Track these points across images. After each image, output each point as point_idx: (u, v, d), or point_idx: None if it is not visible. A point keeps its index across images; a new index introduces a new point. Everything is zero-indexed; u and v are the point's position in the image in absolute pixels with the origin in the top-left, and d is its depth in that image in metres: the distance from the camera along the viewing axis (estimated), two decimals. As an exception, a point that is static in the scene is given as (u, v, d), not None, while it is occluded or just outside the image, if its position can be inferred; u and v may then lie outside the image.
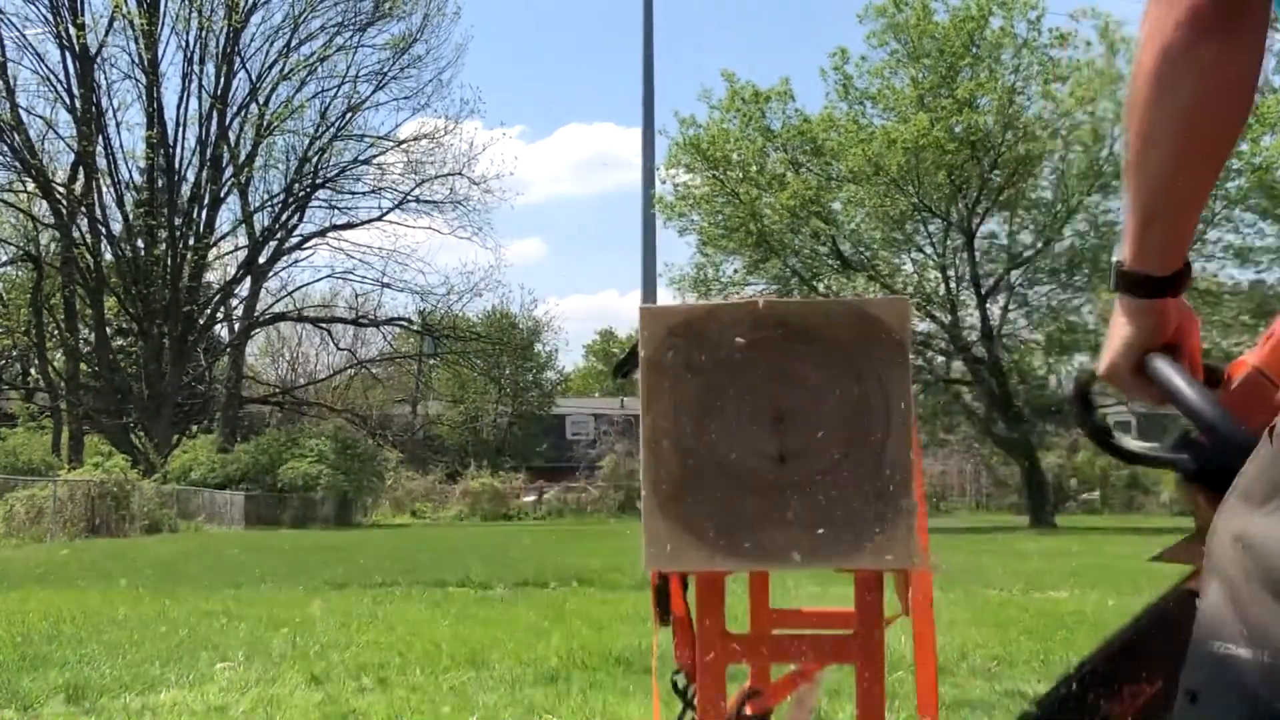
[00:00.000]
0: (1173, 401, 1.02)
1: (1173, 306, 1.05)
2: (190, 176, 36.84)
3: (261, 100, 37.58)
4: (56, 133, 34.80)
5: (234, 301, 40.29)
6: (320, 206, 41.03)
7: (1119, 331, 1.07)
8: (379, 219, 40.45)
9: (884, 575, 1.51)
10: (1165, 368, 1.03)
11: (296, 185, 39.03)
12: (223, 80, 36.51)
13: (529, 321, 48.39)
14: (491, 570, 10.71)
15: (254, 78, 37.40)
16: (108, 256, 35.69)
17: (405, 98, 53.41)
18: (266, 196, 39.45)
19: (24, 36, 35.07)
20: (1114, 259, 1.05)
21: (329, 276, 59.84)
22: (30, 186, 34.36)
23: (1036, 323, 26.32)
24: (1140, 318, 1.05)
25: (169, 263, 35.55)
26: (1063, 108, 23.80)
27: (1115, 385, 1.11)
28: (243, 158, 37.57)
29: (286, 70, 37.64)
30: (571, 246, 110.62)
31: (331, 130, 39.09)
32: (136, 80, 35.64)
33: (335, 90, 38.79)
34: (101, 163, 34.97)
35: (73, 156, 34.40)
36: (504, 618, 6.72)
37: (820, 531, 1.40)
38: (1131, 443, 1.11)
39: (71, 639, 5.76)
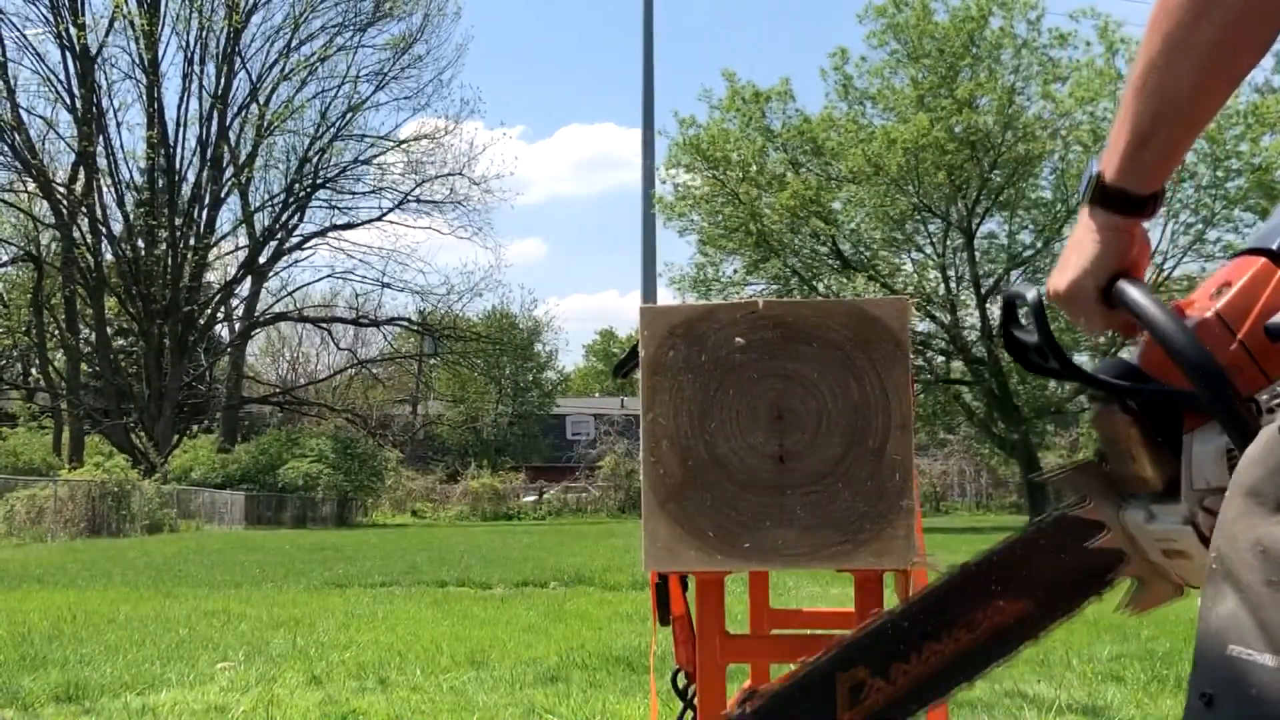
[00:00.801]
0: (1149, 328, 0.98)
1: (1139, 229, 1.02)
2: (191, 176, 36.90)
3: (262, 100, 37.62)
4: (57, 133, 34.88)
5: (234, 301, 40.36)
6: (320, 206, 41.13)
7: (1086, 249, 1.02)
8: (379, 219, 40.52)
9: (884, 575, 1.51)
10: (1139, 293, 0.99)
11: (297, 185, 39.06)
12: (223, 80, 36.55)
13: (529, 321, 48.45)
14: (491, 570, 10.72)
15: (254, 78, 37.46)
16: (108, 256, 35.72)
17: (405, 98, 53.72)
18: (267, 196, 39.52)
19: (24, 36, 35.13)
20: (1094, 170, 1.01)
21: (329, 276, 60.05)
22: (31, 186, 34.37)
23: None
24: (1112, 236, 1.00)
25: (169, 263, 35.56)
26: (1063, 108, 23.79)
27: (1073, 306, 1.05)
28: (243, 158, 37.59)
29: (287, 70, 37.70)
30: (572, 246, 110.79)
31: (332, 130, 39.16)
32: (137, 80, 35.72)
33: (335, 90, 38.87)
34: (102, 163, 35.03)
35: (73, 156, 34.46)
36: (504, 618, 6.72)
37: (819, 531, 1.40)
38: (1076, 360, 1.05)
39: (71, 639, 5.76)
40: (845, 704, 1.10)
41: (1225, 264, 1.07)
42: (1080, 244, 1.02)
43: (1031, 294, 1.05)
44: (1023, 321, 1.12)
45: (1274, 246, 0.99)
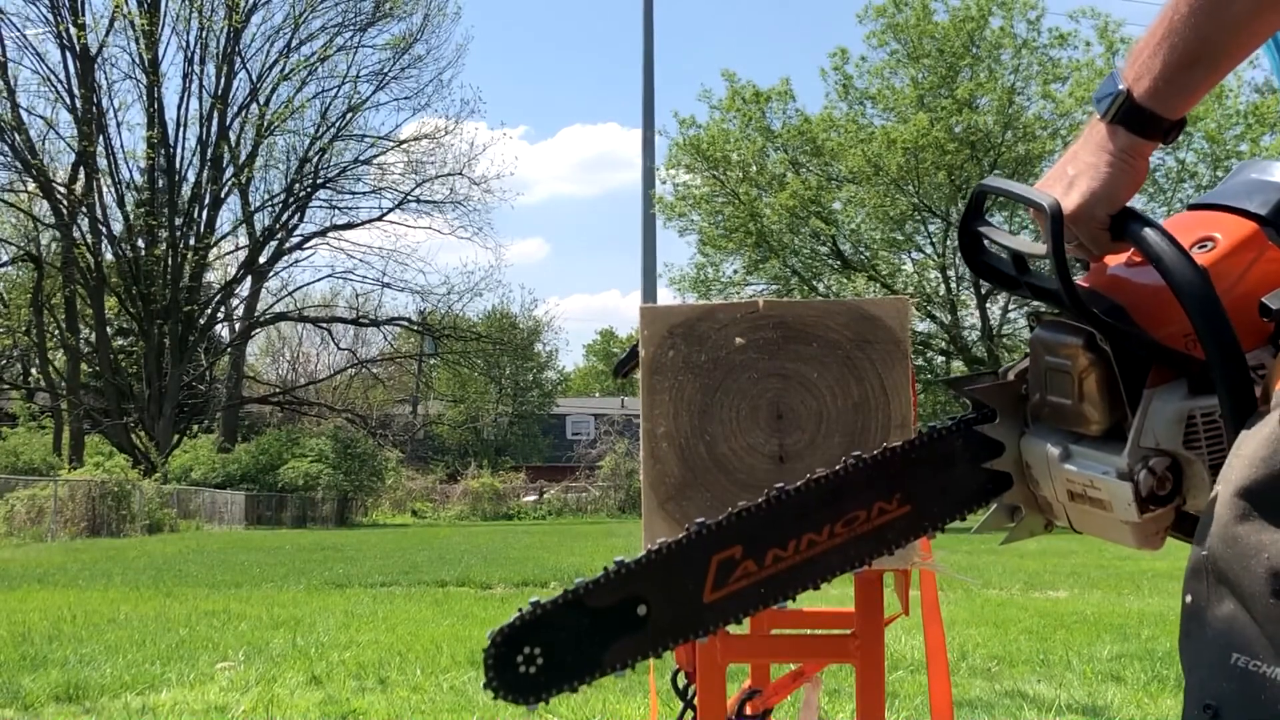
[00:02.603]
0: (1161, 272, 0.93)
1: (1150, 155, 0.96)
2: (191, 176, 36.88)
3: (262, 100, 37.61)
4: (57, 133, 34.86)
5: (234, 301, 40.33)
6: (321, 206, 41.08)
7: (1100, 171, 0.95)
8: (379, 219, 40.49)
9: (884, 575, 1.51)
10: (1160, 237, 0.93)
11: (297, 185, 39.04)
12: (223, 80, 36.53)
13: (529, 321, 48.43)
14: (491, 570, 10.72)
15: (254, 78, 37.44)
16: (108, 256, 35.71)
17: (406, 98, 53.60)
18: (267, 196, 39.50)
19: (24, 36, 35.11)
20: (1119, 86, 0.94)
21: (329, 276, 59.95)
22: (31, 186, 34.36)
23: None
24: (1128, 161, 0.95)
25: (169, 263, 35.55)
26: (1063, 108, 23.79)
27: (1079, 228, 0.97)
28: (243, 158, 37.58)
29: (287, 70, 37.67)
30: (574, 246, 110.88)
31: (332, 130, 39.13)
32: (137, 80, 35.69)
33: (336, 90, 38.84)
34: (102, 163, 35.01)
35: (73, 156, 34.43)
36: (504, 617, 6.70)
37: (820, 531, 1.40)
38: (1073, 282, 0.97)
39: (71, 639, 5.76)
40: (713, 582, 1.06)
41: (1190, 212, 1.04)
42: (1093, 165, 0.96)
43: (1049, 201, 0.97)
44: (995, 223, 1.06)
45: (1261, 212, 0.95)
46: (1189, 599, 0.77)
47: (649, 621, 1.05)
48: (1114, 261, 1.01)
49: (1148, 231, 0.95)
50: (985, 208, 1.06)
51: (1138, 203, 1.00)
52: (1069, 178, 0.98)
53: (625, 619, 1.05)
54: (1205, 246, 0.97)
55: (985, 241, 1.05)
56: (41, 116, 34.77)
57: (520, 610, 1.06)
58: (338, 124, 39.15)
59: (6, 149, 33.23)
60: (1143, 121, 0.93)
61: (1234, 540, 0.74)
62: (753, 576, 1.06)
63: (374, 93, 39.86)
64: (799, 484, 1.07)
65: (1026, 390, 1.06)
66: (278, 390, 44.22)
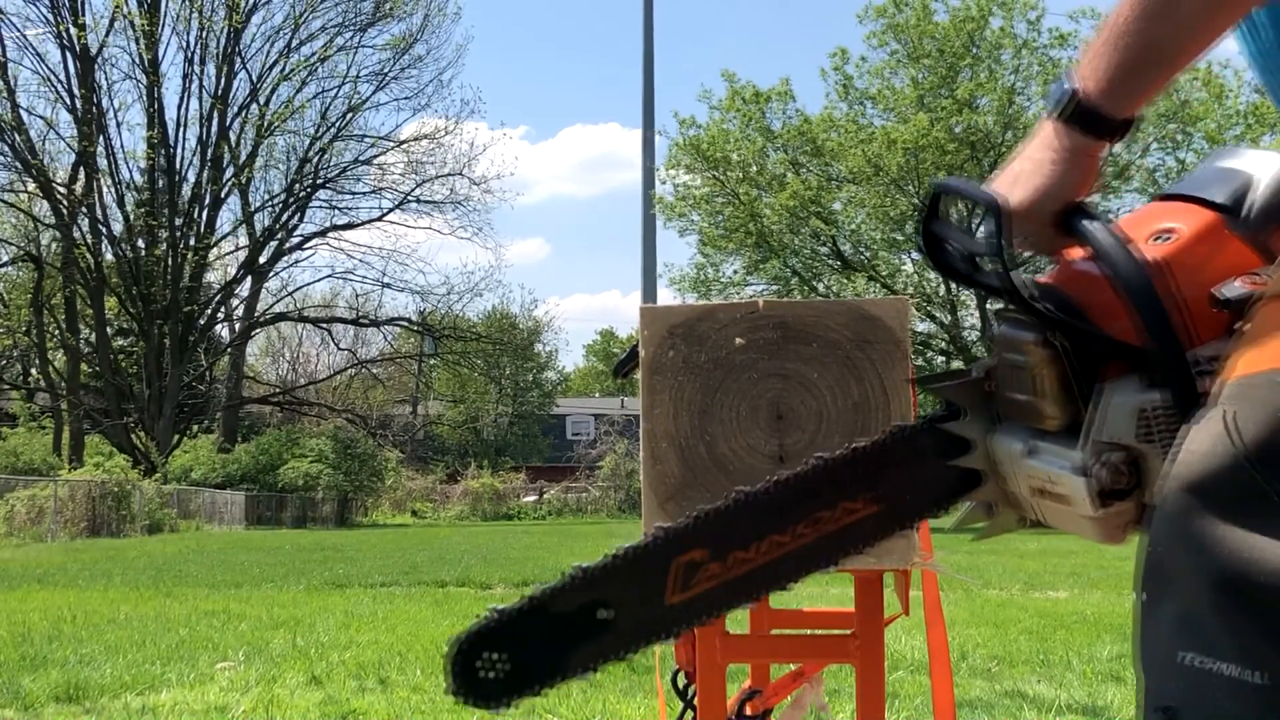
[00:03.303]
0: (1108, 266, 0.93)
1: (1102, 154, 0.97)
2: (191, 177, 36.89)
3: (262, 100, 37.62)
4: (57, 133, 34.85)
5: (234, 301, 40.35)
6: (321, 207, 41.10)
7: (1047, 170, 0.96)
8: (379, 219, 40.51)
9: (884, 575, 1.51)
10: (1104, 232, 0.94)
11: (297, 185, 39.06)
12: (223, 80, 36.54)
13: (529, 321, 48.44)
14: (491, 570, 10.72)
15: (254, 78, 37.45)
16: (108, 256, 35.71)
17: (406, 98, 53.71)
18: (267, 197, 39.52)
19: (24, 36, 35.15)
20: (1068, 85, 0.94)
21: (329, 276, 60.07)
22: (31, 186, 34.36)
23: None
24: (1077, 159, 0.95)
25: (169, 263, 35.56)
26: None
27: (1026, 225, 0.98)
28: (243, 158, 37.59)
29: (287, 70, 37.68)
30: (575, 247, 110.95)
31: (332, 130, 39.15)
32: (137, 80, 35.69)
33: (336, 90, 38.85)
34: (102, 163, 35.01)
35: (73, 156, 34.43)
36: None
37: (820, 531, 1.40)
38: (1007, 275, 0.98)
39: (71, 639, 5.76)
40: (676, 586, 1.05)
41: (1155, 202, 1.03)
42: (1041, 163, 0.97)
43: (993, 200, 0.98)
44: (953, 220, 1.06)
45: (1222, 201, 0.94)
46: (1142, 597, 0.76)
47: (612, 625, 1.05)
48: (1075, 256, 1.01)
49: (1093, 226, 0.95)
50: (943, 207, 1.07)
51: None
52: (1016, 175, 0.99)
53: (588, 623, 1.05)
54: (1164, 238, 0.96)
55: (944, 241, 1.06)
56: (41, 116, 34.81)
57: (481, 616, 1.06)
58: (338, 124, 39.21)
59: (6, 149, 33.25)
60: (1091, 121, 0.94)
61: (1181, 536, 0.73)
62: (717, 578, 1.06)
63: (374, 93, 39.92)
64: (761, 485, 1.07)
65: (993, 388, 1.06)
66: (278, 390, 44.22)
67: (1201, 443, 0.74)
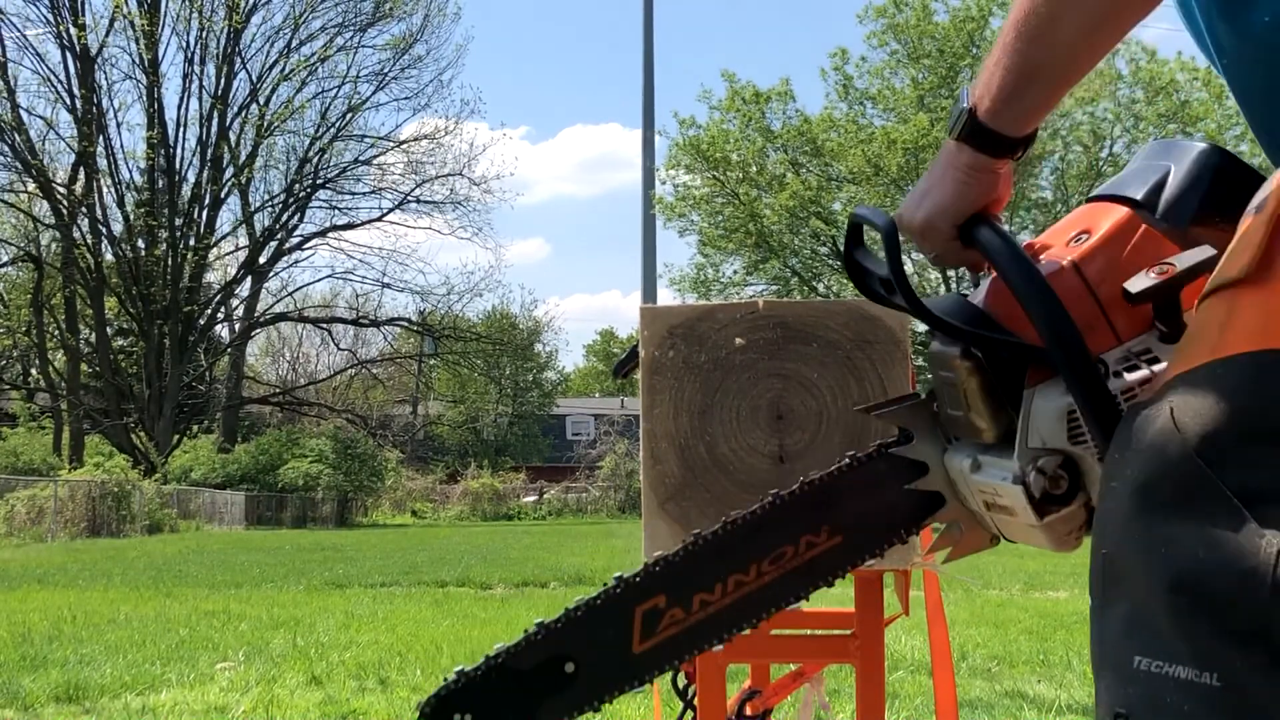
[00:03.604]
0: (1001, 274, 0.94)
1: (1007, 169, 0.98)
2: (191, 177, 36.87)
3: (262, 101, 37.61)
4: (57, 133, 34.84)
5: (234, 302, 40.32)
6: (321, 207, 41.07)
7: (947, 186, 0.98)
8: (379, 219, 40.49)
9: (883, 575, 1.51)
10: (996, 238, 0.95)
11: (297, 185, 39.05)
12: (223, 81, 36.53)
13: (529, 322, 48.44)
14: (491, 570, 10.71)
15: (254, 78, 37.44)
16: (108, 257, 35.70)
17: (406, 98, 53.55)
18: (267, 197, 39.50)
19: (24, 36, 35.11)
20: (964, 105, 0.95)
21: (329, 277, 60.00)
22: (31, 187, 34.35)
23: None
24: (977, 176, 0.96)
25: (169, 263, 35.55)
26: (1062, 108, 23.79)
27: (925, 240, 1.01)
28: (243, 158, 37.58)
29: (287, 71, 37.67)
30: (575, 247, 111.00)
31: (332, 131, 39.13)
32: (137, 80, 35.68)
33: (336, 91, 38.83)
34: (102, 163, 35.00)
35: (73, 157, 34.41)
36: (504, 618, 6.72)
37: (820, 531, 1.40)
38: (919, 297, 1.00)
39: (71, 639, 5.76)
40: (640, 634, 1.05)
41: (1085, 205, 1.03)
42: (941, 180, 0.99)
43: (884, 221, 1.00)
44: (868, 247, 1.07)
45: (1137, 196, 0.93)
46: (1093, 601, 0.75)
47: (578, 678, 1.06)
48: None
49: (987, 236, 0.96)
50: (864, 235, 1.09)
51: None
52: (923, 193, 1.01)
53: (554, 678, 1.06)
54: (1080, 239, 0.96)
55: (863, 267, 1.07)
56: (41, 116, 34.79)
57: (446, 679, 1.07)
58: (338, 124, 39.18)
59: (6, 149, 33.23)
60: (985, 139, 0.94)
61: (1132, 536, 0.71)
62: (681, 623, 1.05)
63: (374, 93, 39.88)
64: (716, 527, 1.06)
65: (938, 408, 1.06)
66: (278, 390, 44.21)
67: (1146, 439, 0.72)
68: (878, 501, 1.09)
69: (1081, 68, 0.89)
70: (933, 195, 0.99)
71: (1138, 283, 0.91)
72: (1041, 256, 0.98)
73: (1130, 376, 0.91)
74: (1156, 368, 0.91)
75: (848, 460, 1.09)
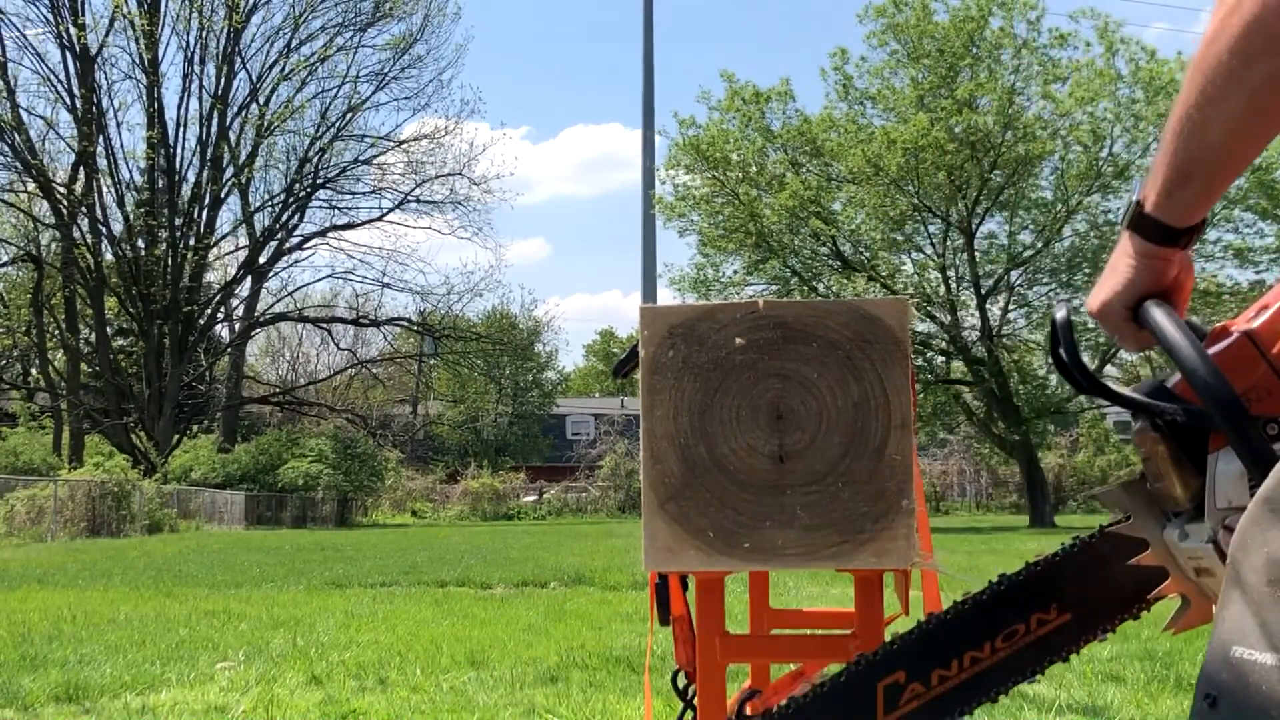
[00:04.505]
0: (1167, 351, 1.00)
1: (1179, 256, 1.04)
2: (191, 177, 36.90)
3: (262, 100, 37.63)
4: (57, 133, 34.86)
5: (234, 301, 40.35)
6: (320, 207, 41.13)
7: (1121, 271, 1.05)
8: (379, 219, 40.52)
9: (884, 575, 1.51)
10: (1162, 316, 1.01)
11: (297, 185, 39.06)
12: (223, 80, 36.54)
13: (529, 321, 48.45)
14: (491, 570, 10.71)
15: (254, 78, 37.45)
16: (108, 256, 35.71)
17: (406, 98, 53.79)
18: (267, 196, 39.52)
19: (24, 36, 35.17)
20: (1134, 197, 1.03)
21: (329, 276, 60.15)
22: (31, 186, 34.36)
23: (1036, 323, 26.34)
24: (1146, 262, 1.04)
25: (169, 263, 35.56)
26: (1063, 108, 23.79)
27: (1104, 324, 1.09)
28: (243, 158, 37.58)
29: (287, 70, 37.68)
30: (576, 246, 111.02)
31: (332, 130, 39.15)
32: (137, 80, 35.70)
33: (336, 90, 38.86)
34: (102, 163, 35.01)
35: (73, 156, 34.43)
36: (504, 618, 6.72)
37: (819, 531, 1.40)
38: (1111, 383, 1.09)
39: (71, 639, 5.76)
40: (883, 707, 1.13)
41: (1272, 288, 1.09)
42: (1115, 267, 1.06)
43: (1060, 314, 1.09)
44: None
45: None
46: (1215, 607, 0.83)
47: None
48: None
49: (1154, 317, 1.02)
50: (1069, 329, 1.15)
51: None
52: (1100, 281, 1.09)
53: None
54: (1260, 316, 1.01)
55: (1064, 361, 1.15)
56: (41, 116, 34.82)
57: None
58: (338, 124, 39.21)
59: (6, 149, 33.25)
60: (1151, 230, 1.02)
61: (1244, 539, 0.79)
62: (922, 697, 1.15)
63: (374, 93, 39.97)
64: (961, 605, 1.16)
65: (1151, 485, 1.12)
66: (278, 390, 44.22)
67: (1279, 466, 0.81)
68: (1103, 579, 1.17)
69: (1235, 165, 0.96)
70: (1108, 282, 1.07)
71: None
72: (1230, 330, 1.03)
73: None
74: None
75: (1073, 542, 1.18)
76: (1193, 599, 1.13)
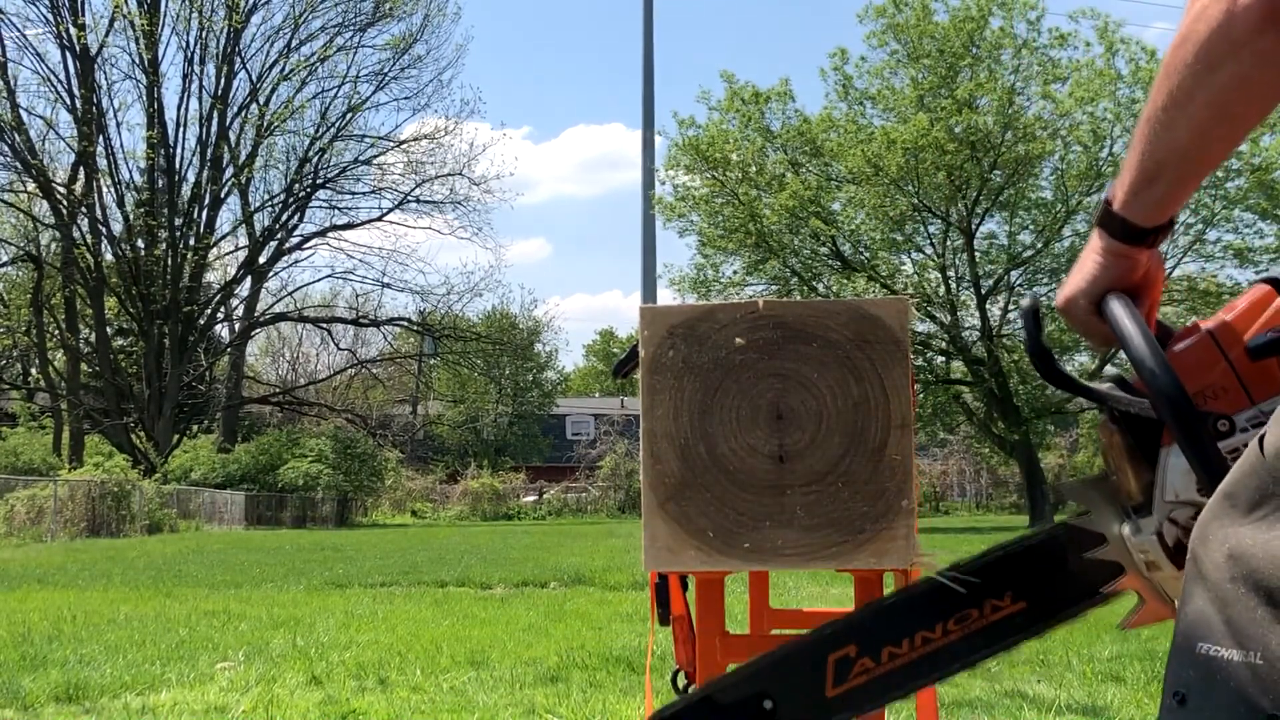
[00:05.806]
0: (1120, 344, 1.01)
1: (1146, 255, 1.05)
2: (191, 177, 36.89)
3: (262, 100, 37.61)
4: (57, 133, 34.86)
5: (234, 301, 40.34)
6: (320, 207, 41.14)
7: (1087, 268, 1.07)
8: (379, 219, 40.50)
9: (883, 575, 1.51)
10: (1120, 311, 1.02)
11: (297, 185, 39.05)
12: (223, 80, 36.54)
13: (529, 321, 48.44)
14: (491, 570, 10.71)
15: (254, 78, 37.45)
16: (108, 256, 35.71)
17: (406, 98, 53.82)
18: (267, 196, 39.51)
19: (24, 36, 35.20)
20: (1104, 195, 1.05)
21: (329, 276, 60.16)
22: (31, 186, 34.35)
23: (1036, 323, 26.29)
24: (1113, 259, 1.05)
25: (169, 263, 35.55)
26: (1063, 108, 23.78)
27: (1069, 318, 1.10)
28: (243, 158, 37.58)
29: (287, 70, 37.68)
30: (576, 247, 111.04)
31: (332, 130, 39.14)
32: (137, 80, 35.70)
33: (335, 90, 38.85)
34: (102, 163, 35.00)
35: (73, 156, 34.43)
36: (504, 618, 6.72)
37: (819, 531, 1.40)
38: (1072, 374, 1.10)
39: (71, 639, 5.76)
40: (832, 680, 1.14)
41: (1246, 289, 1.11)
42: (1083, 263, 1.08)
43: (1026, 303, 1.11)
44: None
45: (1278, 275, 1.01)
46: (1178, 602, 0.82)
47: (776, 715, 1.17)
48: None
49: (1112, 311, 1.03)
50: (1040, 321, 1.16)
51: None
52: (1069, 275, 1.11)
53: (753, 714, 1.17)
54: (1228, 316, 1.02)
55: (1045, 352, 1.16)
56: (41, 116, 34.82)
57: (657, 712, 1.20)
58: (338, 124, 39.20)
59: (6, 149, 33.24)
60: (1119, 228, 1.03)
61: (1205, 533, 0.79)
62: (871, 673, 1.16)
63: (374, 93, 39.99)
64: (916, 586, 1.18)
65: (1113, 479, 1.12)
66: (278, 390, 44.21)
67: (1240, 460, 0.81)
68: (1059, 571, 1.18)
69: (1201, 168, 0.98)
70: (1074, 278, 1.09)
71: (1258, 339, 0.98)
72: (1190, 332, 1.04)
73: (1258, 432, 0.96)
74: None
75: (1035, 532, 1.19)
76: (1147, 596, 1.13)
